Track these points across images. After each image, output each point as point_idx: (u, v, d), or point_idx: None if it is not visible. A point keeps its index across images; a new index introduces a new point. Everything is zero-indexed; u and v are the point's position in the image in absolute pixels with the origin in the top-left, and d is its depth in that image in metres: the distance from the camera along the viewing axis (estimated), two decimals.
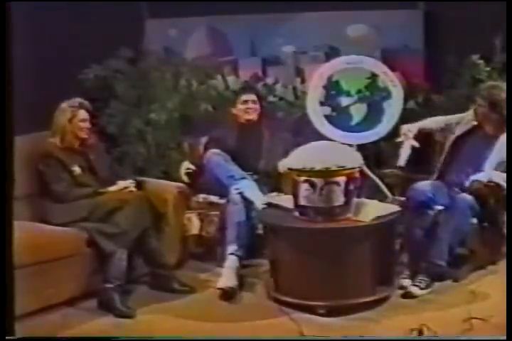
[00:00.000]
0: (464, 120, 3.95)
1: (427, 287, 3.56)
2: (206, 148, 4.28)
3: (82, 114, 3.76)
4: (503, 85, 3.83)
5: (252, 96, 4.29)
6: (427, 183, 3.81)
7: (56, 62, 4.76)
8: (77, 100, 3.79)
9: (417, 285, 3.55)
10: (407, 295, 3.54)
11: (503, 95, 3.71)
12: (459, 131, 3.91)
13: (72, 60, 4.80)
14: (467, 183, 3.70)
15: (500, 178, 3.61)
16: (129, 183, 3.80)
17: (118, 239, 3.50)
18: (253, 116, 4.26)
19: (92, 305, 3.50)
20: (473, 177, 3.69)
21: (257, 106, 4.28)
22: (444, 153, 3.93)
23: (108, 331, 3.23)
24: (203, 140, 4.39)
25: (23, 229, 3.18)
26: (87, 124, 3.78)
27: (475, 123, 3.87)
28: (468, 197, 3.64)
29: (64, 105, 3.78)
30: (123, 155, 4.93)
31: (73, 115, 3.74)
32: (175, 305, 3.54)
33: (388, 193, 4.38)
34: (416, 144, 3.91)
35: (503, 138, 3.75)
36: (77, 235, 3.55)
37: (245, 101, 4.25)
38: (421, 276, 3.58)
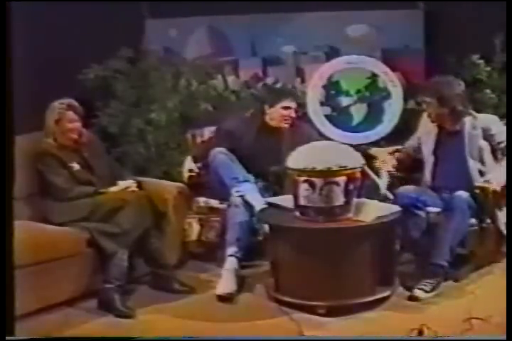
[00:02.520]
0: (424, 135, 3.93)
1: (432, 290, 3.53)
2: (211, 140, 4.21)
3: (70, 115, 3.73)
4: (447, 78, 3.82)
5: (294, 104, 4.08)
6: (410, 187, 3.82)
7: (56, 62, 4.76)
8: (66, 101, 3.76)
9: (422, 289, 3.52)
10: (412, 298, 3.50)
11: (448, 88, 3.73)
12: (428, 145, 3.89)
13: (72, 60, 4.79)
14: (461, 186, 3.70)
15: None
16: (130, 183, 3.80)
17: (119, 239, 3.50)
18: (287, 126, 4.06)
19: (92, 305, 3.50)
20: (477, 184, 3.68)
21: (295, 115, 4.08)
22: (426, 164, 3.92)
23: (108, 331, 3.24)
24: (206, 132, 4.34)
25: (23, 229, 3.18)
26: (75, 125, 3.75)
27: (436, 128, 3.85)
28: (465, 195, 3.64)
29: (53, 105, 3.76)
30: (123, 155, 4.92)
31: (60, 117, 3.72)
32: (175, 305, 3.54)
33: (389, 193, 4.37)
34: (393, 163, 3.96)
35: (465, 130, 3.76)
36: (77, 235, 3.55)
37: (287, 108, 4.03)
38: (426, 279, 3.55)
